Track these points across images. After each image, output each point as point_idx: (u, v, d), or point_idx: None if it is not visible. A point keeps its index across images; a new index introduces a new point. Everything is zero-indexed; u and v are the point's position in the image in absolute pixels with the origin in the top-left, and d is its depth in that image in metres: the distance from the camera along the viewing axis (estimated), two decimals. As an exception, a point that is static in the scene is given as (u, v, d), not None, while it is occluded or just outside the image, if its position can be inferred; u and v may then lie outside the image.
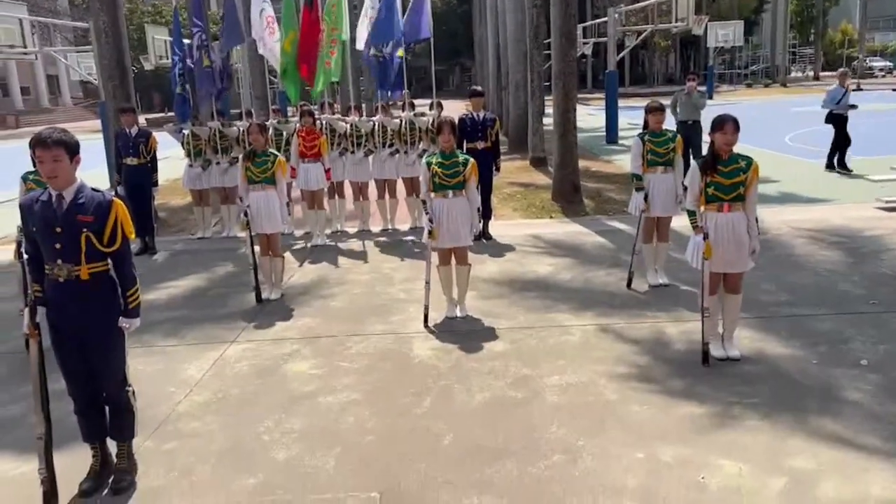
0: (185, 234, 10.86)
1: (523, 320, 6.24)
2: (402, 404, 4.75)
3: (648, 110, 6.79)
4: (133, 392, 3.94)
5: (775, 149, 16.65)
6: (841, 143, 13.47)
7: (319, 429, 4.46)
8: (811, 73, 62.75)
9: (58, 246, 3.56)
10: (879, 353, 5.18)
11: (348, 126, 10.15)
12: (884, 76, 54.85)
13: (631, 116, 21.94)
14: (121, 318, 3.76)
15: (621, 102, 21.42)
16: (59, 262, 3.58)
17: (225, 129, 10.43)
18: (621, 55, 26.95)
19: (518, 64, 17.48)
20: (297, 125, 9.64)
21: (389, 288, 7.43)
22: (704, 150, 5.35)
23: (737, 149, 5.01)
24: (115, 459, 3.98)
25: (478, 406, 4.67)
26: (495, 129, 9.20)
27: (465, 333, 6.00)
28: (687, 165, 6.03)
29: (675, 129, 7.04)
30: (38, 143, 3.50)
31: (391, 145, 9.99)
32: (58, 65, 48.95)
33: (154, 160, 9.42)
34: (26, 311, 3.60)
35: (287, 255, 8.36)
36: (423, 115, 10.30)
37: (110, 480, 3.90)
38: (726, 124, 4.88)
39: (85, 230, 3.56)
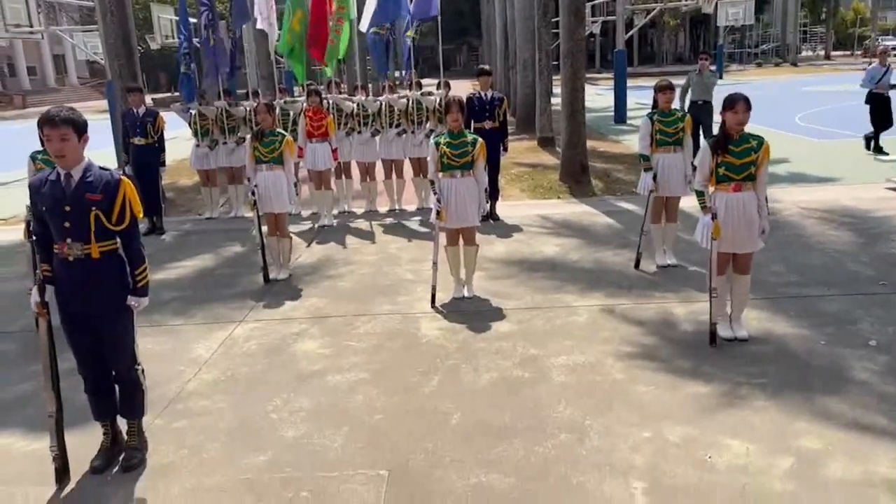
0: (192, 214, 10.88)
1: (530, 301, 6.24)
2: (410, 383, 4.77)
3: (658, 89, 6.73)
4: (142, 371, 3.97)
5: (785, 129, 16.52)
6: (879, 124, 12.98)
7: (328, 407, 4.49)
8: (822, 53, 62.11)
9: (67, 225, 3.57)
10: (888, 333, 5.16)
11: (355, 105, 10.11)
12: (896, 55, 54.20)
13: (639, 96, 21.76)
14: (129, 296, 3.78)
15: (630, 82, 21.23)
16: (69, 240, 3.59)
17: (232, 108, 10.40)
18: (630, 34, 26.70)
19: (526, 42, 17.34)
20: (304, 105, 9.60)
21: (397, 268, 7.43)
22: (716, 131, 5.30)
23: (746, 129, 4.97)
24: (125, 437, 4.02)
25: (485, 385, 4.69)
26: (503, 108, 9.14)
27: (472, 313, 6.00)
28: (697, 145, 5.99)
29: (683, 110, 6.94)
30: (45, 122, 3.50)
31: (398, 125, 9.95)
32: (64, 44, 48.81)
33: (161, 140, 9.41)
34: (34, 289, 3.62)
35: (294, 235, 8.36)
36: (430, 94, 10.24)
37: (121, 458, 3.94)
38: (737, 103, 4.83)
39: (94, 208, 3.57)
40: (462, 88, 13.79)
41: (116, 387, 3.93)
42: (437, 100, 9.83)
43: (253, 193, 7.00)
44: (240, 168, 10.30)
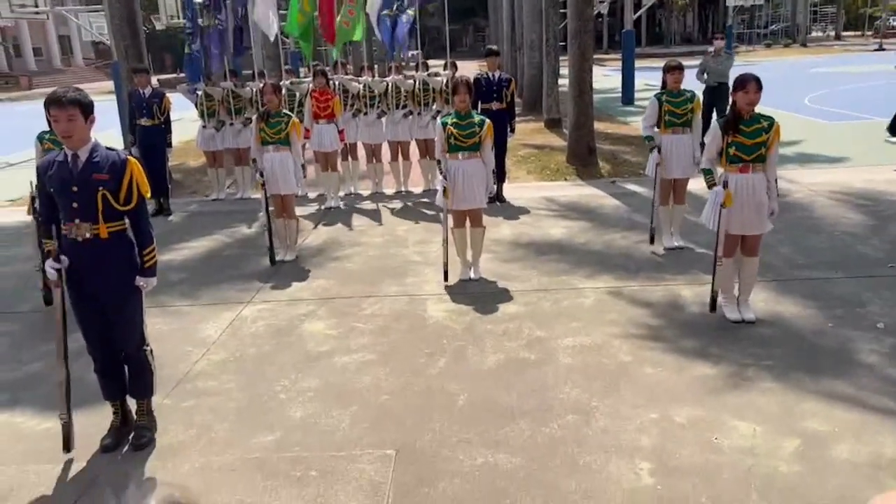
0: (199, 195, 10.88)
1: (537, 283, 6.24)
2: (417, 364, 4.78)
3: (667, 69, 6.66)
4: (151, 351, 4.00)
5: (794, 110, 16.38)
6: None
7: (335, 388, 4.51)
8: (832, 33, 61.40)
9: (75, 205, 3.58)
10: (896, 316, 5.15)
11: (361, 86, 10.06)
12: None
13: (647, 77, 21.60)
14: (138, 276, 3.79)
15: (638, 63, 21.04)
16: (77, 221, 3.60)
17: (238, 89, 10.37)
18: (638, 14, 26.43)
19: (533, 23, 17.19)
20: (310, 86, 9.56)
21: (403, 250, 7.43)
22: None
23: (756, 109, 4.93)
24: (135, 417, 4.05)
25: (492, 367, 4.70)
26: (511, 89, 9.09)
27: (479, 295, 6.01)
28: (707, 126, 5.95)
29: (692, 91, 6.84)
30: (52, 102, 3.50)
31: (404, 106, 9.90)
32: (69, 25, 48.70)
33: (168, 121, 9.40)
34: (49, 262, 3.64)
35: (301, 217, 8.36)
36: (437, 75, 10.18)
37: (131, 437, 3.98)
38: (749, 83, 4.79)
39: (101, 188, 3.58)
40: (468, 69, 13.71)
41: (126, 367, 3.96)
42: (444, 81, 9.77)
43: (261, 175, 6.99)
44: (246, 149, 10.27)
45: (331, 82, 9.62)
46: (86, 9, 23.95)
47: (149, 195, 3.84)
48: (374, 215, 9.07)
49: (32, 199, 5.62)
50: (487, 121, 6.13)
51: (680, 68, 6.66)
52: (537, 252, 7.13)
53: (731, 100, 5.09)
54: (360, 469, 3.61)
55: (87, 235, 3.62)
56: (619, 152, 12.37)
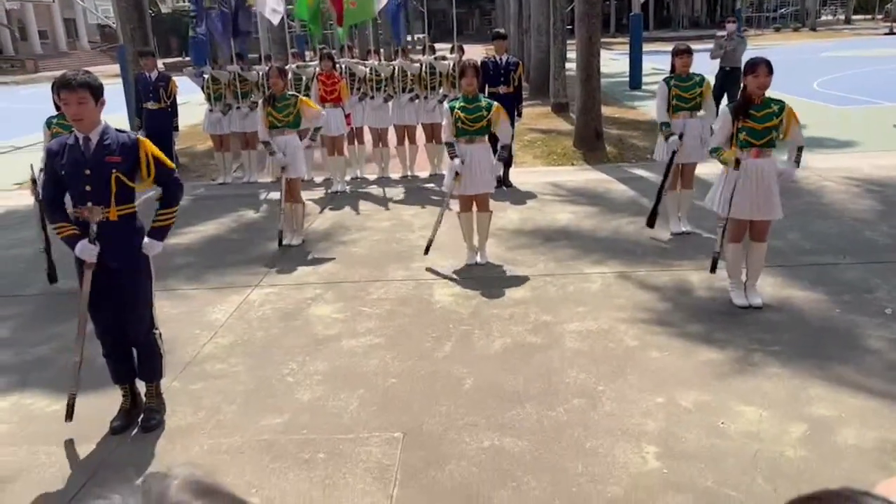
0: (206, 179, 10.89)
1: (543, 268, 6.23)
2: (424, 348, 4.80)
3: (675, 53, 6.61)
4: (160, 335, 4.02)
5: (803, 95, 16.25)
6: None
7: (343, 371, 4.53)
8: (842, 17, 60.77)
9: (87, 188, 3.59)
10: (904, 302, 5.13)
11: (368, 70, 10.02)
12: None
13: (655, 61, 21.46)
14: (146, 237, 3.78)
15: (645, 47, 20.89)
16: (90, 204, 3.61)
17: (245, 73, 10.34)
18: (646, -3, 26.20)
19: (540, 6, 17.06)
20: (317, 69, 9.53)
21: (409, 234, 7.43)
22: None
23: (766, 94, 4.90)
24: (144, 399, 4.08)
25: (498, 351, 4.72)
26: (518, 73, 9.04)
27: (485, 280, 6.01)
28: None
29: (701, 74, 6.77)
30: (63, 86, 3.50)
31: (411, 90, 9.86)
32: (74, 8, 48.53)
33: (174, 104, 9.39)
34: (84, 243, 3.63)
35: (307, 200, 8.37)
36: (443, 59, 10.13)
37: (140, 419, 4.01)
38: (759, 67, 4.76)
39: (114, 170, 3.59)
40: (475, 53, 13.64)
41: (134, 350, 3.99)
42: (451, 64, 9.73)
43: (284, 155, 6.90)
44: (253, 133, 10.28)
45: (337, 66, 9.59)
46: (91, -9, 23.87)
47: (174, 166, 3.90)
48: (381, 200, 9.06)
49: (34, 181, 5.64)
50: (495, 103, 6.10)
51: (688, 52, 6.61)
52: (544, 237, 7.12)
53: (741, 85, 5.06)
54: (367, 451, 3.64)
55: (99, 219, 3.63)
56: (626, 137, 12.31)
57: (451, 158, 6.07)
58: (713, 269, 5.34)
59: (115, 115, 11.36)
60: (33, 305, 5.98)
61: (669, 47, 7.02)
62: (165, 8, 22.94)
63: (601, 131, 11.34)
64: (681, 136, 6.51)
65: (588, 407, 3.96)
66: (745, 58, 5.76)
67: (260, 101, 7.44)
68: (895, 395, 3.92)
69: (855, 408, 3.81)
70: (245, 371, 4.60)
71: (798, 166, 5.18)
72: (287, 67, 9.00)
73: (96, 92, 3.55)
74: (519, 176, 9.63)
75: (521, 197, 8.72)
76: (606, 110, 13.08)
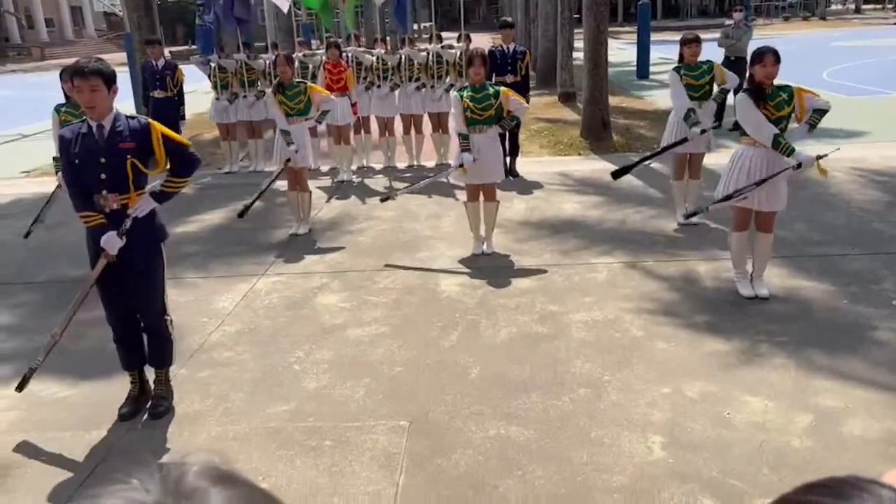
0: (212, 168, 10.89)
1: (550, 258, 6.23)
2: (430, 338, 4.81)
3: (684, 42, 6.57)
4: (171, 321, 4.05)
5: (812, 85, 16.07)
6: None
7: (349, 359, 4.55)
8: (852, 6, 60.25)
9: (103, 176, 3.60)
10: (912, 293, 5.11)
11: (374, 59, 9.99)
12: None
13: (663, 51, 21.34)
14: (149, 195, 3.77)
15: (653, 36, 20.75)
16: (105, 192, 3.63)
17: (251, 61, 10.32)
18: (655, -14, 26.01)
19: (548, -5, 16.97)
20: (323, 58, 9.51)
21: (416, 224, 7.44)
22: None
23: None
24: (152, 386, 4.11)
25: (504, 340, 4.73)
26: (525, 62, 9.01)
27: (491, 270, 6.02)
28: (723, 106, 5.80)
29: (710, 61, 6.72)
30: (75, 73, 3.51)
31: (417, 79, 9.83)
32: (81, -4, 48.55)
33: (181, 93, 9.39)
34: (111, 235, 3.64)
35: (314, 189, 8.37)
36: (450, 47, 10.09)
37: (148, 406, 4.04)
38: (766, 56, 4.73)
39: (129, 157, 3.61)
40: (481, 42, 13.58)
41: (144, 336, 4.01)
42: (458, 53, 9.69)
43: (292, 145, 6.87)
44: (259, 122, 10.29)
45: (344, 55, 9.57)
46: (97, -21, 23.82)
47: (188, 143, 3.92)
48: (387, 189, 9.05)
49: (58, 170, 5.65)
50: (502, 88, 6.10)
51: (697, 41, 6.57)
52: (550, 227, 7.11)
53: (748, 74, 5.02)
54: (373, 439, 3.66)
55: (115, 206, 3.65)
56: (633, 126, 12.26)
57: (463, 151, 6.00)
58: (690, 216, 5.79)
59: (122, 103, 11.37)
60: (42, 293, 6.01)
61: (677, 37, 6.98)
62: (172, -4, 22.95)
63: (608, 121, 11.29)
64: (703, 132, 6.36)
65: (594, 397, 3.97)
66: (750, 47, 5.67)
67: (269, 90, 7.43)
68: (902, 386, 3.92)
69: (861, 399, 3.80)
70: (252, 359, 4.63)
71: (811, 130, 4.92)
72: (294, 56, 8.99)
73: (109, 79, 3.56)
74: (526, 166, 9.60)
75: (527, 187, 8.71)
76: (614, 100, 13.02)
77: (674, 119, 6.73)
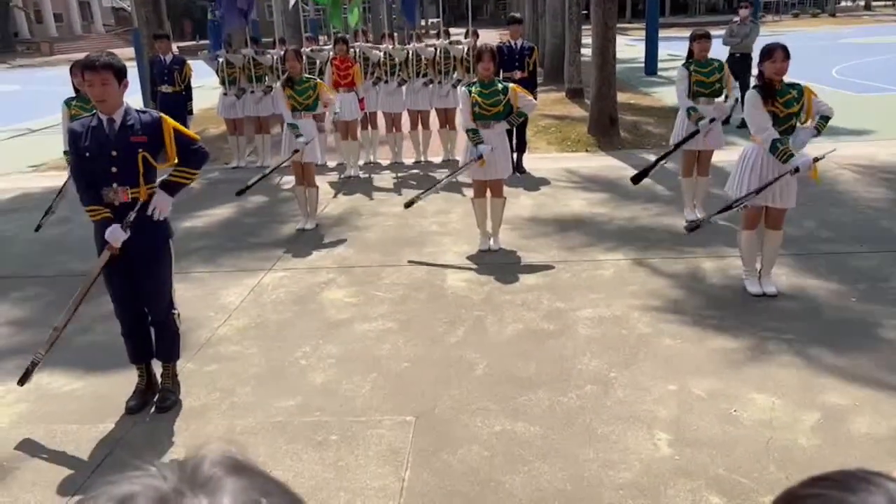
0: (219, 163, 10.91)
1: (557, 254, 6.22)
2: (436, 333, 4.81)
3: (694, 38, 6.54)
4: (178, 315, 4.06)
5: (821, 82, 16.03)
6: None
7: (355, 355, 4.56)
8: (862, 3, 59.86)
9: (114, 170, 3.61)
10: (921, 292, 5.09)
11: (382, 54, 9.99)
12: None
13: (671, 47, 21.24)
14: (159, 190, 3.77)
15: (661, 33, 20.66)
16: (115, 185, 3.64)
17: (259, 57, 10.33)
18: (663, -18, 25.91)
19: (556, -10, 16.91)
20: (331, 53, 9.51)
21: (422, 220, 7.43)
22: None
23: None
24: (159, 380, 4.13)
25: (510, 336, 4.72)
26: (533, 58, 8.98)
27: (498, 266, 6.01)
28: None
29: (720, 60, 6.70)
30: (86, 67, 3.53)
31: (425, 75, 9.82)
32: (89, -9, 48.67)
33: (189, 88, 9.41)
34: (116, 228, 3.64)
35: (321, 185, 8.38)
36: (458, 43, 10.07)
37: (155, 399, 4.06)
38: (775, 52, 4.70)
39: (140, 150, 3.62)
40: (489, 38, 13.55)
41: (152, 330, 4.03)
42: (465, 49, 9.68)
43: (300, 137, 6.90)
44: (267, 117, 10.29)
45: (351, 50, 9.56)
46: (106, -26, 23.88)
47: (197, 137, 3.93)
48: (394, 185, 9.06)
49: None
50: (511, 84, 6.09)
51: (707, 36, 6.53)
52: (557, 223, 7.10)
53: (755, 71, 4.99)
54: (379, 434, 3.66)
55: (125, 199, 3.66)
56: (641, 123, 12.22)
57: (477, 145, 5.97)
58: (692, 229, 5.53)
59: (130, 98, 11.40)
60: (50, 286, 6.04)
61: (686, 33, 6.95)
62: (180, -9, 22.99)
63: (616, 117, 11.25)
64: (712, 121, 6.34)
65: (600, 393, 3.96)
66: (756, 44, 5.63)
67: (278, 84, 7.44)
68: (910, 384, 3.90)
69: (869, 397, 3.79)
70: (259, 353, 4.64)
71: (817, 133, 4.93)
72: (301, 51, 8.99)
73: (119, 73, 3.58)
74: (533, 162, 9.59)
75: (534, 183, 8.70)
76: (621, 96, 12.98)
77: (682, 116, 6.71)
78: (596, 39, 11.06)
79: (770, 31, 33.25)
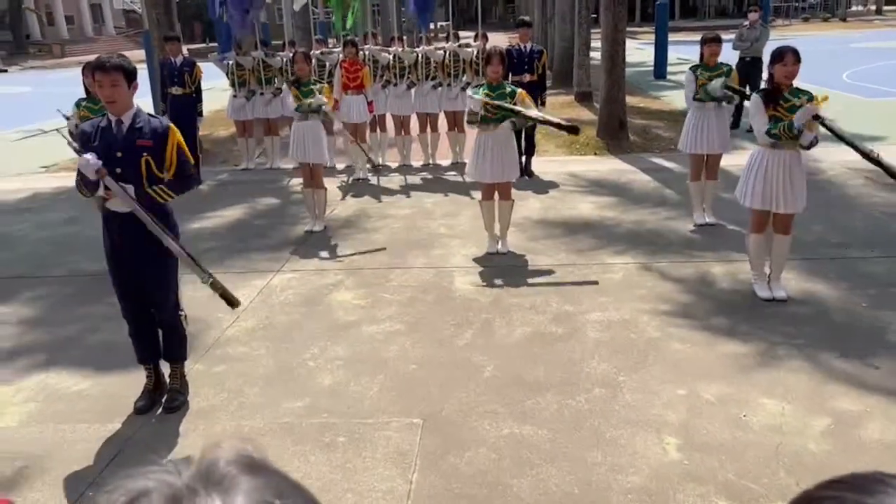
0: (229, 165, 10.96)
1: (565, 257, 6.21)
2: (444, 336, 4.81)
3: (704, 41, 6.52)
4: (185, 316, 4.07)
5: (832, 86, 15.95)
6: None
7: (363, 356, 4.56)
8: (873, 7, 59.61)
9: (118, 170, 3.64)
10: (932, 297, 5.05)
11: (391, 57, 10.00)
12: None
13: (680, 51, 21.20)
14: (129, 190, 3.65)
15: (671, 36, 20.62)
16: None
17: (269, 59, 10.36)
18: (673, -14, 25.87)
19: (565, -6, 16.90)
20: (340, 56, 9.53)
21: (430, 222, 7.44)
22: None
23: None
24: (167, 380, 4.14)
25: (518, 339, 4.71)
26: (542, 61, 8.98)
27: (506, 269, 6.01)
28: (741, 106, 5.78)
29: (728, 64, 6.69)
30: (97, 68, 3.55)
31: (434, 78, 9.83)
32: (100, -7, 48.97)
33: (199, 90, 9.45)
34: (90, 156, 3.55)
35: (330, 187, 8.40)
36: (467, 46, 10.08)
37: (163, 400, 4.06)
38: (786, 55, 4.69)
39: (144, 154, 3.64)
40: (498, 41, 13.54)
41: (160, 331, 4.04)
42: (474, 52, 9.68)
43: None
44: (276, 119, 10.33)
45: (361, 53, 9.58)
46: (117, -23, 24.01)
47: (193, 161, 3.91)
48: (402, 187, 9.07)
49: (71, 133, 5.39)
50: (519, 89, 6.08)
51: (717, 40, 6.51)
52: (565, 226, 7.09)
53: (766, 74, 4.97)
54: (387, 436, 3.66)
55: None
56: (650, 127, 12.19)
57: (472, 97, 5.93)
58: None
59: (140, 100, 11.47)
60: (59, 286, 6.07)
61: (695, 37, 6.93)
62: (190, -7, 23.09)
63: (625, 121, 11.24)
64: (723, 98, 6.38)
65: (609, 397, 3.95)
66: (767, 48, 5.62)
67: (284, 84, 7.48)
68: (921, 390, 3.87)
69: (879, 402, 3.76)
70: (267, 355, 4.65)
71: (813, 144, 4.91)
72: (311, 53, 9.01)
73: (130, 75, 3.60)
74: (541, 165, 9.58)
75: (543, 186, 8.69)
76: (630, 100, 12.95)
77: (690, 119, 6.70)
78: (605, 43, 11.04)
79: (780, 36, 33.15)
